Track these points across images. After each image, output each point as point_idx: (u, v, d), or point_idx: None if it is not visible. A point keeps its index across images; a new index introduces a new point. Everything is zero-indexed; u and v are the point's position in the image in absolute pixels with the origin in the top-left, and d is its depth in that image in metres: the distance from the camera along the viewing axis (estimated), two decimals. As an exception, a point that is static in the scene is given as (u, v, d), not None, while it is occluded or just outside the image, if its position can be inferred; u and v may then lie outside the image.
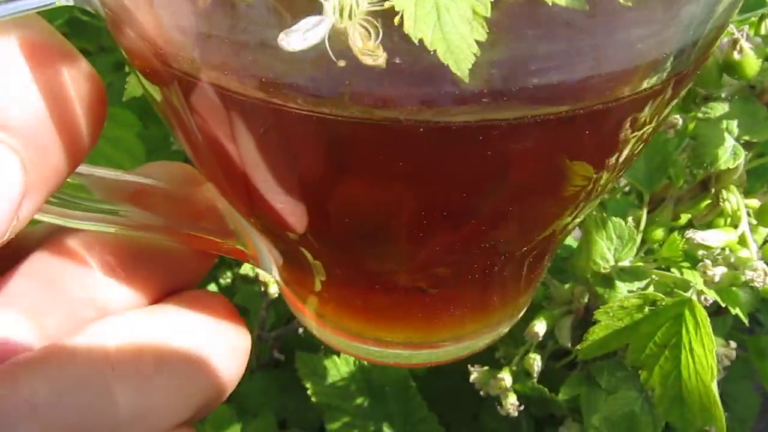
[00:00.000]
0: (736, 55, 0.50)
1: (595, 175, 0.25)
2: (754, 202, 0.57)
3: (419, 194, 0.23)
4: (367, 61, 0.24)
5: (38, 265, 0.30)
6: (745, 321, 0.57)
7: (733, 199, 0.57)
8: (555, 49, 0.19)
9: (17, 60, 0.23)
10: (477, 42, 0.22)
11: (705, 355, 0.52)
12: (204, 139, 0.25)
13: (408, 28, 0.23)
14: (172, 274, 0.32)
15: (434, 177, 0.23)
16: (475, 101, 0.19)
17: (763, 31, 0.56)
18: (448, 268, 0.28)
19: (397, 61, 0.19)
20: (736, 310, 0.58)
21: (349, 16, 0.24)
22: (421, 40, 0.22)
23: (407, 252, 0.26)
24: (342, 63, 0.24)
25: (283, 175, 0.24)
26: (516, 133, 0.21)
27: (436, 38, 0.23)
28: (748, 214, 0.56)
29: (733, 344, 0.58)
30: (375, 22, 0.24)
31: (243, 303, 0.75)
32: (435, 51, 0.22)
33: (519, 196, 0.24)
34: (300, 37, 0.24)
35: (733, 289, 0.57)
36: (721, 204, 0.56)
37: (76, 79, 0.24)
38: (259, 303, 0.72)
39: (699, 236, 0.53)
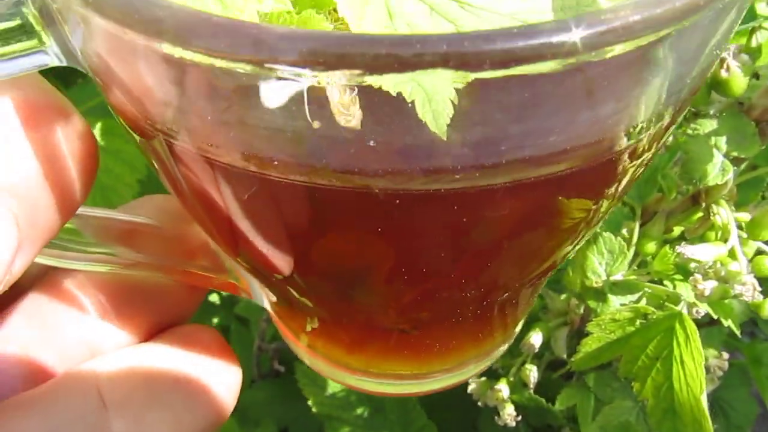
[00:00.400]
0: (723, 74, 0.51)
1: (575, 224, 0.26)
2: (745, 216, 0.58)
3: (396, 252, 0.24)
4: (342, 120, 0.25)
5: (33, 304, 0.31)
6: (737, 332, 0.58)
7: (723, 213, 0.57)
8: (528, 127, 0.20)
9: (11, 121, 0.24)
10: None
11: (695, 367, 0.53)
12: (186, 188, 0.26)
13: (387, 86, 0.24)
14: (164, 310, 0.33)
15: (410, 239, 0.23)
16: (457, 170, 0.20)
17: (753, 44, 0.56)
18: (429, 314, 0.29)
19: (372, 129, 0.19)
20: (728, 322, 0.59)
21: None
22: (399, 100, 0.23)
23: (387, 300, 0.27)
24: (317, 124, 0.25)
25: (262, 230, 0.25)
26: (494, 198, 0.21)
27: (415, 90, 0.24)
28: (740, 227, 0.57)
29: (725, 355, 0.59)
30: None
31: (243, 313, 0.76)
32: (413, 102, 0.23)
33: (502, 253, 0.25)
34: (277, 93, 0.25)
35: (726, 300, 0.58)
36: (711, 218, 0.57)
37: (68, 137, 0.25)
38: (260, 314, 0.73)
39: (689, 251, 0.54)
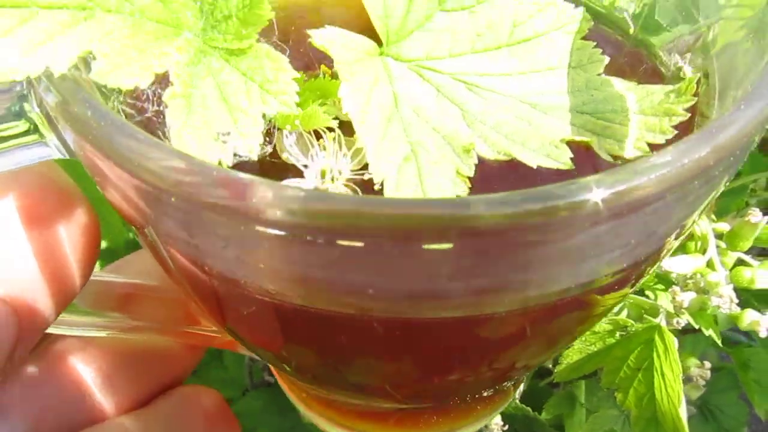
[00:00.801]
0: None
1: (570, 337, 0.26)
2: (724, 226, 0.59)
3: (388, 369, 0.24)
4: None
5: (32, 372, 0.31)
6: (718, 341, 0.59)
7: (702, 224, 0.58)
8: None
9: (12, 217, 0.24)
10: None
11: (673, 379, 0.54)
12: (177, 275, 0.25)
13: (389, 194, 0.23)
14: (163, 371, 0.33)
15: (400, 358, 0.23)
16: (456, 309, 0.20)
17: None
18: (424, 400, 0.29)
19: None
20: (709, 332, 0.60)
21: (332, 180, 0.24)
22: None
23: (385, 397, 0.27)
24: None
25: (257, 336, 0.25)
26: (487, 325, 0.22)
27: (417, 200, 0.24)
28: (719, 238, 0.58)
29: (707, 364, 0.61)
30: (355, 187, 0.25)
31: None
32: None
33: (496, 364, 0.26)
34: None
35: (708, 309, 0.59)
36: (691, 229, 0.58)
37: (70, 232, 0.25)
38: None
39: (666, 264, 0.55)
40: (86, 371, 0.31)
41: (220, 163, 0.20)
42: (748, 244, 0.53)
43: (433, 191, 0.24)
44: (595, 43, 0.28)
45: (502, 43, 0.28)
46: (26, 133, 0.23)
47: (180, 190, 0.17)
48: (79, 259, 0.26)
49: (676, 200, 0.19)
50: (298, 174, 0.24)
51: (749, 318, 0.50)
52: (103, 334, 0.31)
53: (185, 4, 0.23)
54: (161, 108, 0.20)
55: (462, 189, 0.24)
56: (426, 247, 0.16)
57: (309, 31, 0.24)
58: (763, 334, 0.50)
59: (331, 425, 0.34)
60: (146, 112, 0.21)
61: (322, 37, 0.25)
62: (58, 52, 0.19)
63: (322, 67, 0.27)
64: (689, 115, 0.26)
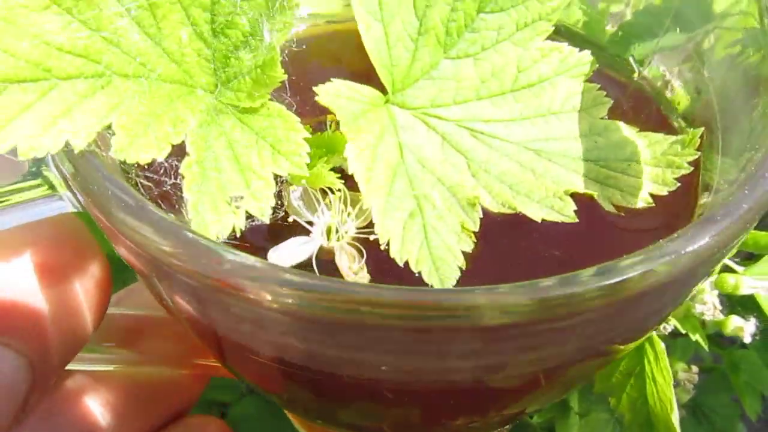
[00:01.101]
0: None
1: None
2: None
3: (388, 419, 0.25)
4: (351, 279, 0.26)
5: (44, 406, 0.31)
6: (705, 346, 0.60)
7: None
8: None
9: (30, 271, 0.24)
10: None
11: (665, 385, 0.55)
12: (175, 314, 0.26)
13: (394, 252, 0.24)
14: (170, 402, 0.33)
15: (398, 409, 0.24)
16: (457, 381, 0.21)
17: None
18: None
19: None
20: (696, 336, 0.61)
21: (338, 238, 0.25)
22: (406, 263, 0.24)
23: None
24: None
25: (245, 372, 0.26)
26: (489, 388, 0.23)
27: (421, 257, 0.24)
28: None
29: (694, 368, 0.62)
30: (359, 245, 0.25)
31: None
32: (420, 272, 0.24)
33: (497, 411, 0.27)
34: (289, 252, 0.25)
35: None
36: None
37: (83, 281, 0.26)
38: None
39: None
40: (95, 405, 0.32)
41: (233, 230, 0.21)
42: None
43: (439, 249, 0.24)
44: (599, 86, 0.28)
45: (506, 89, 0.28)
46: (44, 188, 0.23)
47: (179, 272, 0.17)
48: (91, 307, 0.26)
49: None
50: (306, 231, 0.25)
51: (733, 324, 0.50)
52: (110, 368, 0.32)
53: (199, 63, 0.23)
54: (178, 180, 0.21)
55: (467, 245, 0.25)
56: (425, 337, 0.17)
57: (315, 88, 0.24)
58: (747, 340, 0.50)
59: None
60: (164, 185, 0.21)
61: (327, 93, 0.25)
62: (77, 125, 0.20)
63: (329, 116, 0.27)
64: (692, 168, 0.26)
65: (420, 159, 0.26)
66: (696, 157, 0.26)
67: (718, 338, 0.63)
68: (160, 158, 0.20)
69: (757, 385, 0.69)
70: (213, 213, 0.21)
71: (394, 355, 0.19)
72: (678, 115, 0.33)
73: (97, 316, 0.27)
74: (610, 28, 0.37)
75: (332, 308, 0.16)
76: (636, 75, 0.33)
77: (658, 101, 0.32)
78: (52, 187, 0.22)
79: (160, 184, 0.21)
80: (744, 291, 0.50)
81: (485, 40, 0.28)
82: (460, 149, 0.27)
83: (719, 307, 0.53)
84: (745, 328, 0.51)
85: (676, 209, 0.27)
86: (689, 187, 0.27)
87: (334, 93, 0.25)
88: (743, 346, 0.71)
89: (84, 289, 0.26)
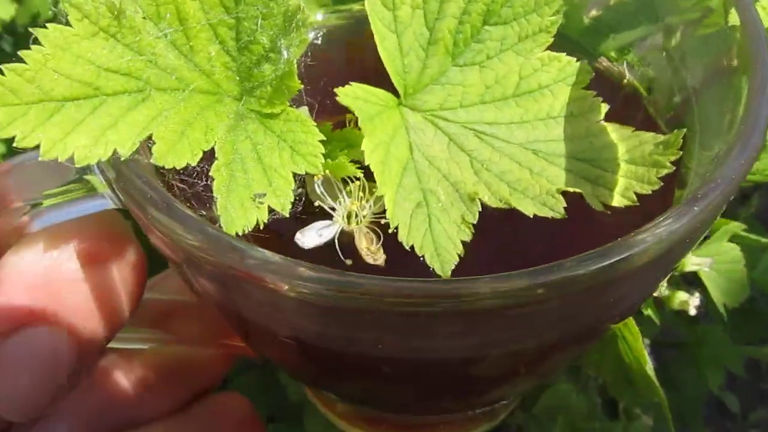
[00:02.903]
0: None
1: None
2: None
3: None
4: (369, 260, 0.28)
5: (85, 381, 0.35)
6: (657, 322, 0.61)
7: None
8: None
9: (75, 261, 0.28)
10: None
11: (635, 342, 0.57)
12: (206, 300, 0.29)
13: (402, 236, 0.27)
14: (197, 380, 0.37)
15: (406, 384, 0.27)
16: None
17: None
18: (437, 411, 0.33)
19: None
20: (647, 311, 0.63)
21: (357, 222, 0.28)
22: (412, 246, 0.27)
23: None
24: (349, 262, 0.28)
25: (271, 353, 0.29)
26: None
27: (425, 243, 0.27)
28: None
29: (646, 341, 0.64)
30: (377, 229, 0.28)
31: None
32: (423, 256, 0.27)
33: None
34: (314, 235, 0.28)
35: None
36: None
37: (122, 270, 0.29)
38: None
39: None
40: (129, 381, 0.35)
41: (258, 223, 0.24)
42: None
43: (441, 237, 0.27)
44: (595, 93, 0.31)
45: (509, 94, 0.30)
46: (86, 190, 0.26)
47: (206, 264, 0.20)
48: (128, 293, 0.30)
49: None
50: (327, 216, 0.28)
51: (679, 299, 0.52)
52: (144, 346, 0.36)
53: (226, 75, 0.26)
54: (209, 182, 0.24)
55: (466, 235, 0.27)
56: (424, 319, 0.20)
57: (336, 90, 0.27)
58: (692, 312, 0.52)
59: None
60: (196, 186, 0.24)
61: (347, 94, 0.28)
62: (123, 135, 0.23)
63: (348, 115, 0.30)
64: (675, 168, 0.28)
65: (428, 156, 0.29)
66: (678, 156, 0.29)
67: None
68: (193, 162, 0.23)
69: (721, 359, 0.70)
70: (240, 209, 0.24)
71: (393, 334, 0.22)
72: (659, 112, 0.35)
73: (134, 301, 0.30)
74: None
75: (338, 297, 0.19)
76: (626, 80, 0.35)
77: (640, 98, 0.34)
78: (92, 189, 0.26)
79: (193, 185, 0.25)
80: (689, 268, 0.51)
81: (490, 50, 0.30)
82: (465, 149, 0.29)
83: (665, 284, 0.53)
84: (690, 301, 0.52)
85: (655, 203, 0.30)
86: (668, 183, 0.29)
87: (353, 95, 0.28)
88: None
89: (122, 276, 0.29)
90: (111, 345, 0.33)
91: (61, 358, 0.28)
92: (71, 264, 0.28)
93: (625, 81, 0.36)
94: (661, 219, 0.23)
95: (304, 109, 0.29)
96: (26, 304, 0.28)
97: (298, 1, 0.24)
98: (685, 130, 0.29)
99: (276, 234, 0.27)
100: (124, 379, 0.35)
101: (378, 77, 0.30)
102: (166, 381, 0.35)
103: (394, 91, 0.30)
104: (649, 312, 0.57)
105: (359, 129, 0.28)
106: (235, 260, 0.20)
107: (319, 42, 0.32)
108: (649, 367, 0.54)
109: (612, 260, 0.22)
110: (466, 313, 0.21)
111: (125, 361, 0.35)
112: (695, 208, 0.22)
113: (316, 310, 0.20)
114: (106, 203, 0.26)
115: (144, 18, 0.24)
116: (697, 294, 0.52)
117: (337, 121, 0.30)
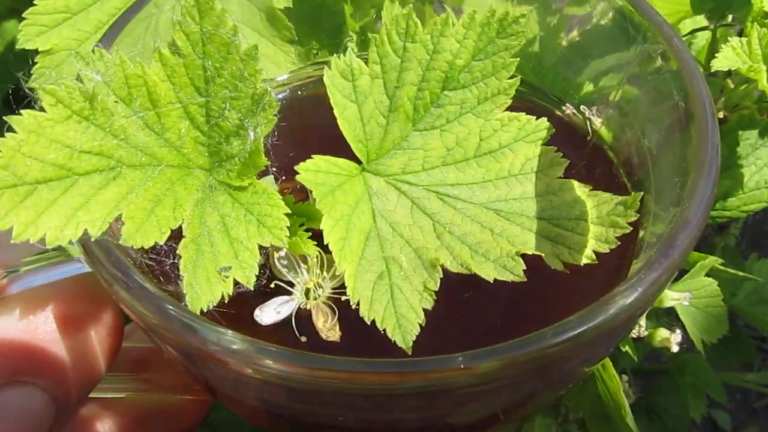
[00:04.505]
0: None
1: None
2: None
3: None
4: (325, 336, 0.29)
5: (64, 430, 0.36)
6: (635, 358, 0.62)
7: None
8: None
9: (53, 323, 0.29)
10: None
11: (614, 387, 0.58)
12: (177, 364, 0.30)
13: (363, 311, 0.28)
14: (175, 424, 0.38)
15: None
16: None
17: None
18: None
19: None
20: (625, 348, 0.64)
21: (315, 298, 0.29)
22: (373, 320, 0.28)
23: None
24: (303, 339, 0.29)
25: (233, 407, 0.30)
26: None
27: (387, 315, 0.28)
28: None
29: (624, 377, 0.64)
30: (334, 305, 0.29)
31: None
32: (384, 329, 0.27)
33: None
34: (272, 312, 0.29)
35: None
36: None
37: (97, 330, 0.30)
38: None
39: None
40: (108, 429, 0.36)
41: (223, 297, 0.25)
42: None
43: (402, 307, 0.28)
44: (556, 148, 0.32)
45: (470, 155, 0.31)
46: (65, 254, 0.28)
47: (168, 343, 0.21)
48: (104, 351, 0.31)
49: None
50: (286, 292, 0.29)
51: (660, 336, 0.52)
52: (122, 395, 0.36)
53: (196, 149, 0.27)
54: (176, 260, 0.25)
55: (428, 302, 0.28)
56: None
57: (296, 167, 0.28)
58: (674, 349, 0.52)
59: None
60: (164, 264, 0.26)
61: (307, 169, 0.29)
62: (93, 214, 0.24)
63: None
64: (631, 229, 0.30)
65: (391, 222, 0.30)
66: (636, 218, 0.30)
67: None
68: (161, 241, 0.24)
69: (702, 387, 0.71)
70: (205, 284, 0.25)
71: (348, 410, 0.23)
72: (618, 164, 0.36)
73: (110, 359, 0.31)
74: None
75: (293, 378, 0.20)
76: (590, 137, 0.37)
77: (611, 162, 0.36)
78: (69, 255, 0.27)
79: (161, 263, 0.26)
80: (667, 304, 0.52)
81: (449, 114, 0.31)
82: (427, 212, 0.31)
83: (643, 325, 0.54)
84: (671, 338, 0.53)
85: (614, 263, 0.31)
86: (627, 243, 0.30)
87: (314, 169, 0.29)
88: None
89: (98, 337, 0.30)
90: (89, 395, 0.34)
91: (39, 417, 0.29)
92: (47, 326, 0.29)
93: (589, 136, 0.37)
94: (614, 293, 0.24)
95: (270, 178, 0.30)
96: (4, 365, 0.29)
97: (265, 85, 0.26)
98: (642, 193, 0.30)
99: (239, 305, 0.28)
100: (102, 427, 0.36)
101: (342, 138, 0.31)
102: (144, 427, 0.36)
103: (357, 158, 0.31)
104: (627, 348, 0.58)
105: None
106: (194, 341, 0.21)
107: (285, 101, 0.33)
108: (626, 410, 0.55)
109: (561, 339, 0.22)
110: (427, 394, 0.22)
111: (101, 411, 0.36)
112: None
113: (276, 387, 0.21)
114: (83, 267, 0.28)
115: (116, 101, 0.25)
116: (678, 330, 0.53)
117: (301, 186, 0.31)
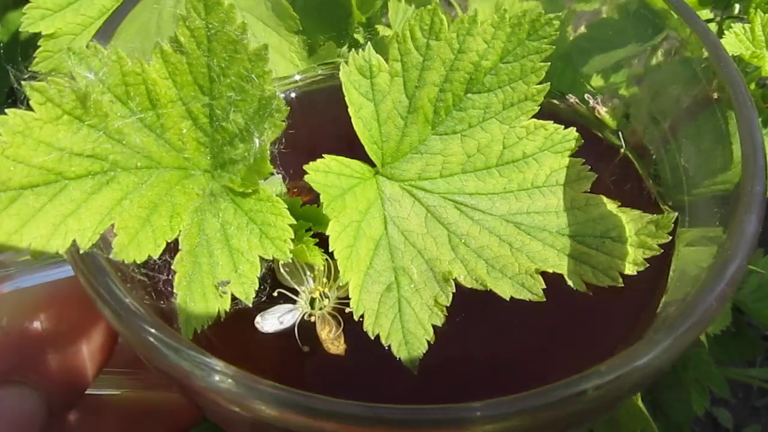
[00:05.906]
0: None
1: None
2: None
3: None
4: (329, 348, 0.28)
5: (59, 428, 0.35)
6: None
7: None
8: None
9: (42, 324, 0.28)
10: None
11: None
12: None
13: (367, 325, 0.26)
14: (174, 421, 0.37)
15: None
16: None
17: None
18: None
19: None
20: None
21: (320, 308, 0.27)
22: (377, 336, 0.26)
23: None
24: (306, 348, 0.27)
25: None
26: None
27: (393, 330, 0.26)
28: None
29: None
30: (339, 316, 0.27)
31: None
32: (389, 346, 0.26)
33: None
34: (275, 320, 0.27)
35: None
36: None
37: (91, 334, 0.29)
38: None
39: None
40: (103, 426, 0.35)
41: (219, 313, 0.23)
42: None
43: (410, 323, 0.27)
44: (583, 160, 0.30)
45: (491, 164, 0.29)
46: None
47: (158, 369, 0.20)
48: (97, 353, 0.30)
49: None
50: (290, 300, 0.27)
51: None
52: (117, 391, 0.35)
53: (198, 149, 0.26)
54: (170, 277, 0.23)
55: (438, 318, 0.26)
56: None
57: (305, 167, 0.26)
58: None
59: None
60: (158, 280, 0.24)
61: (317, 170, 0.27)
62: (84, 223, 0.22)
63: None
64: (662, 251, 0.27)
65: (403, 231, 0.28)
66: (668, 240, 0.28)
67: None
68: (155, 255, 0.23)
69: (705, 382, 0.71)
70: (201, 301, 0.23)
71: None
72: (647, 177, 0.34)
73: (102, 360, 0.30)
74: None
75: (285, 420, 0.19)
76: (623, 149, 0.34)
77: (643, 178, 0.33)
78: (62, 257, 0.25)
79: (155, 279, 0.24)
80: None
81: (472, 118, 0.29)
82: (443, 221, 0.29)
83: None
84: None
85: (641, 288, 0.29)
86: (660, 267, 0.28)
87: (324, 169, 0.27)
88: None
89: (91, 337, 0.30)
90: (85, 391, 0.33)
91: (31, 416, 0.28)
92: (40, 326, 0.28)
93: (622, 150, 0.35)
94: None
95: (278, 178, 0.28)
96: None
97: (274, 88, 0.23)
98: (676, 213, 0.28)
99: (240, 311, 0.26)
100: (96, 425, 0.35)
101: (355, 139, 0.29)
102: (139, 425, 0.35)
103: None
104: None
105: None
106: (181, 375, 0.19)
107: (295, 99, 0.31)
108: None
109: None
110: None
111: (98, 407, 0.35)
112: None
113: (266, 423, 0.20)
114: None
115: (111, 101, 0.23)
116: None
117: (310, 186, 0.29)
